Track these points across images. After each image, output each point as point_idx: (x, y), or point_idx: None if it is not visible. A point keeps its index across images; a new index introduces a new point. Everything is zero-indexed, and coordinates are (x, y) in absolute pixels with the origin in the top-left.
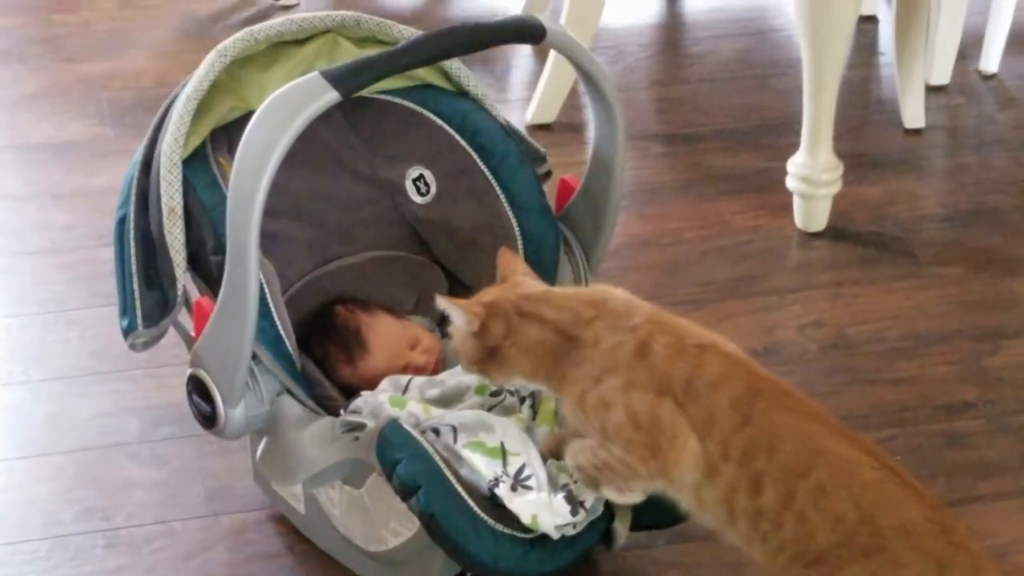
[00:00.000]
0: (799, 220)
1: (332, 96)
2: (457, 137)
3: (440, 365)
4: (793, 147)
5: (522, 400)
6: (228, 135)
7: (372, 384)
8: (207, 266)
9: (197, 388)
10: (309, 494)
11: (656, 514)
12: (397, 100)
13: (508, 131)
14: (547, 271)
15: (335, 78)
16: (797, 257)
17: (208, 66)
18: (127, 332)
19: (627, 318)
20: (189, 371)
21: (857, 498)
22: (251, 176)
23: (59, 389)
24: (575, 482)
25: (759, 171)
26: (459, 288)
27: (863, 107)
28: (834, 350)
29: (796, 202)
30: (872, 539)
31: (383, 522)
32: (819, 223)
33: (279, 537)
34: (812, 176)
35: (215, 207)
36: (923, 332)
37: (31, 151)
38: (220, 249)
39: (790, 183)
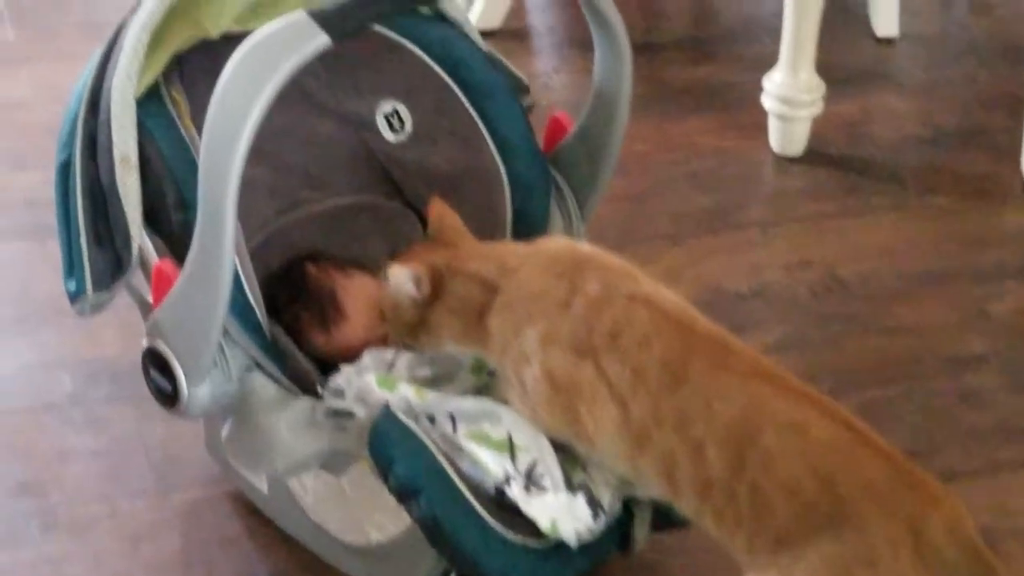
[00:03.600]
0: (775, 143)
1: (322, 40)
2: (437, 68)
3: None
4: (761, 58)
5: None
6: (180, 65)
7: (349, 354)
8: (167, 223)
9: (156, 362)
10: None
11: (678, 512)
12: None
13: (492, 62)
14: (537, 220)
15: (326, 20)
16: (775, 184)
17: None
18: (74, 296)
19: (556, 264)
20: (145, 342)
21: (811, 461)
22: (230, 130)
23: None
24: (591, 477)
25: (725, 85)
26: None
27: (828, 12)
28: (826, 294)
29: (773, 124)
30: (834, 506)
31: (365, 515)
32: (798, 146)
33: (238, 518)
34: (792, 96)
35: (175, 155)
36: (919, 271)
37: None
38: (183, 204)
39: (767, 103)
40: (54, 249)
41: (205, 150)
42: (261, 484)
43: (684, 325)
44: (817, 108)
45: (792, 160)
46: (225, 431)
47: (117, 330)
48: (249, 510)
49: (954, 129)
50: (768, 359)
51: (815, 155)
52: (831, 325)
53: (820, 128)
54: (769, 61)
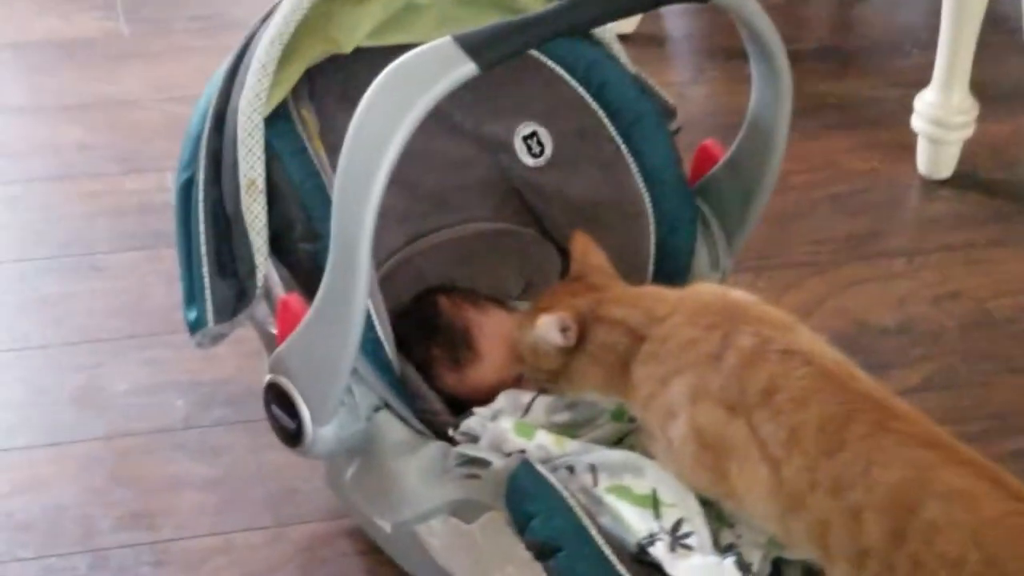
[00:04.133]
0: (923, 165)
1: (469, 69)
2: (581, 90)
3: None
4: (908, 71)
5: None
6: (310, 79)
7: (481, 395)
8: (294, 253)
9: (279, 399)
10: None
11: None
12: None
13: (640, 84)
14: (682, 255)
15: (473, 47)
16: (922, 210)
17: (296, 1)
18: (194, 327)
19: (706, 313)
20: (268, 377)
21: (978, 537)
22: (368, 163)
23: (86, 356)
24: (739, 536)
25: (868, 100)
26: None
27: None
28: (976, 330)
29: (921, 145)
30: None
31: (497, 565)
32: (946, 170)
33: (358, 556)
34: (944, 118)
35: (304, 181)
36: None
37: (32, 51)
38: (313, 235)
39: (917, 123)
40: (168, 258)
41: (341, 182)
42: (384, 523)
43: (844, 384)
44: (969, 130)
45: (939, 183)
46: (350, 471)
47: (232, 348)
48: (369, 547)
49: None
50: (933, 423)
51: (963, 178)
52: (981, 364)
53: (969, 149)
54: (916, 75)
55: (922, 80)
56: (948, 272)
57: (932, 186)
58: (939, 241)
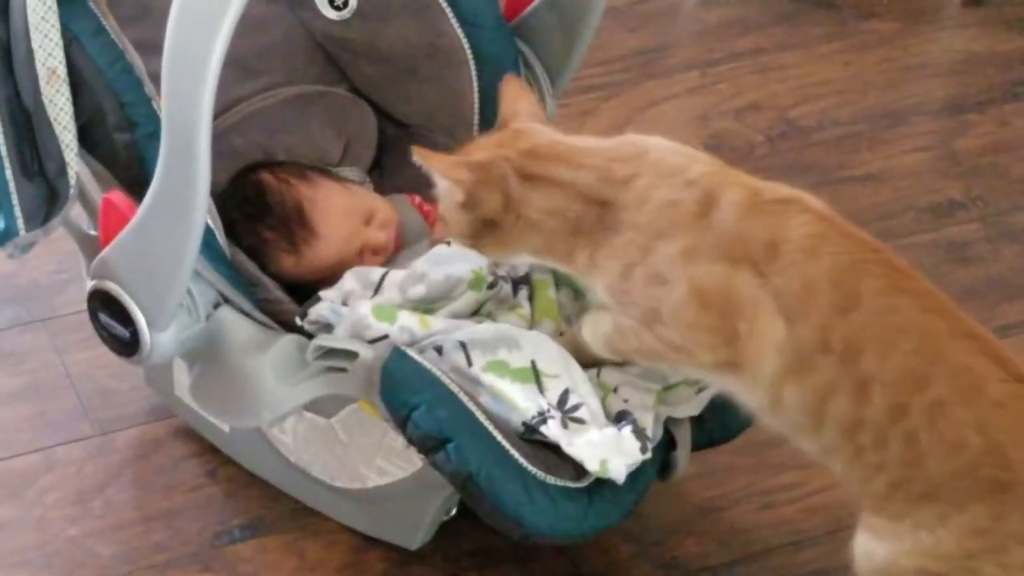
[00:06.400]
0: None
1: None
2: None
3: (400, 239)
4: None
5: (515, 287)
6: None
7: (322, 276)
8: (107, 145)
9: (107, 306)
10: None
11: (718, 430)
12: None
13: None
14: None
15: None
16: (703, 18)
17: None
18: (3, 237)
19: (679, 172)
20: (92, 283)
21: (983, 420)
22: (201, 35)
23: None
24: (626, 401)
25: None
26: (391, 128)
27: None
28: (784, 141)
29: None
30: (999, 472)
31: (364, 458)
32: None
33: (194, 459)
34: None
35: (110, 64)
36: (876, 109)
37: None
38: (128, 124)
39: None
40: None
41: (170, 61)
42: (221, 424)
43: (845, 231)
44: None
45: None
46: (189, 378)
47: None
48: (205, 447)
49: None
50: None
51: None
52: (796, 178)
53: None
54: None
55: None
56: (743, 82)
57: None
58: (727, 50)
